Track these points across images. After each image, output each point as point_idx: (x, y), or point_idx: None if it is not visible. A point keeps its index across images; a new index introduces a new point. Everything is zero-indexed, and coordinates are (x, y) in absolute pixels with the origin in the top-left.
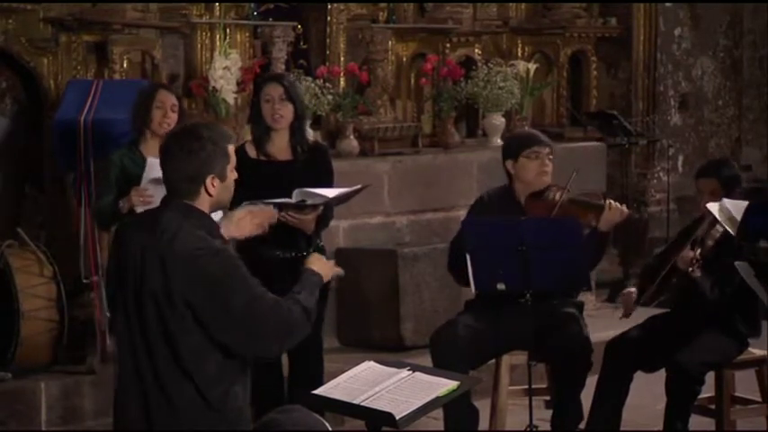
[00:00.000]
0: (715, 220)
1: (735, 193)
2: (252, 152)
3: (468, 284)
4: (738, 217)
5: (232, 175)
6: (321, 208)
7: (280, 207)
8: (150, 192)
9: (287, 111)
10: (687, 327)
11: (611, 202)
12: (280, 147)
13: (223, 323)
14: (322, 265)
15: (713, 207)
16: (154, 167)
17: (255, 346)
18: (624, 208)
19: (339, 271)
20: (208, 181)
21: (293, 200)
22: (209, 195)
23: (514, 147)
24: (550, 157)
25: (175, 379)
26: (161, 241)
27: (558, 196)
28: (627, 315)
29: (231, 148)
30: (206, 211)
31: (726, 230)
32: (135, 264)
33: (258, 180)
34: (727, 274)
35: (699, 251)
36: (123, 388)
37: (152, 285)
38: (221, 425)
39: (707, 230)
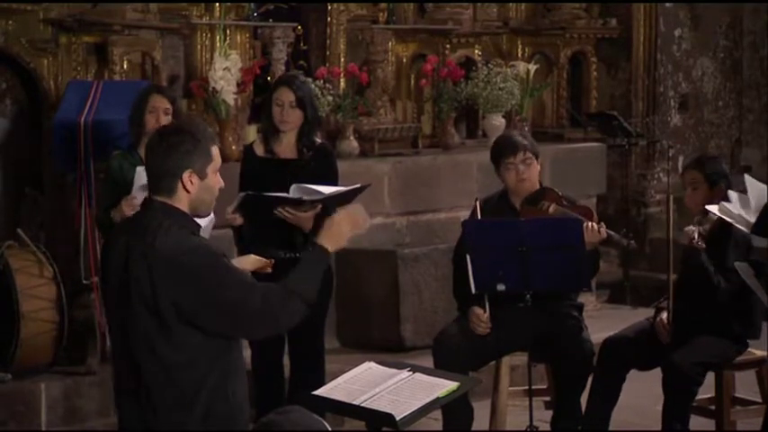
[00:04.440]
0: (705, 213)
1: (719, 189)
2: (259, 150)
3: (463, 302)
4: (743, 212)
5: (214, 177)
6: (319, 206)
7: (277, 202)
8: (138, 200)
9: (295, 117)
10: (684, 327)
11: (589, 223)
12: (287, 146)
13: (211, 316)
14: (331, 235)
15: (713, 208)
16: (142, 176)
17: (243, 333)
18: (603, 231)
19: (357, 228)
20: (185, 176)
21: (291, 195)
22: (187, 192)
23: (493, 157)
24: (528, 161)
25: (163, 378)
26: (144, 242)
27: (551, 209)
28: (667, 341)
29: (215, 150)
30: (185, 210)
31: (720, 221)
32: (119, 265)
33: (263, 177)
34: (723, 263)
35: (699, 227)
36: (117, 387)
37: (137, 285)
38: (214, 422)
39: (704, 214)
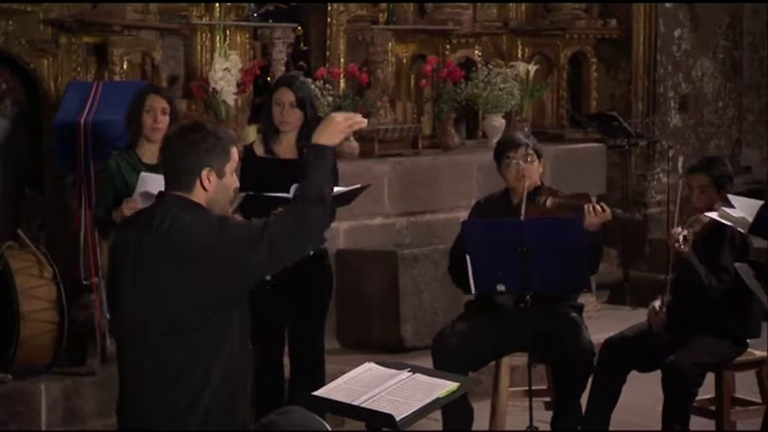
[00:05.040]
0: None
1: (726, 191)
2: (259, 150)
3: (467, 289)
4: (746, 215)
5: (231, 177)
6: None
7: (277, 202)
8: (139, 204)
9: (295, 117)
10: (684, 328)
11: (590, 205)
12: (287, 146)
13: (241, 268)
14: (325, 129)
15: (712, 215)
16: (145, 181)
17: (289, 261)
18: (607, 212)
19: (350, 123)
20: (204, 174)
21: (291, 195)
22: (205, 190)
23: (496, 154)
24: (528, 158)
25: (165, 378)
26: (157, 231)
27: (549, 202)
28: (660, 328)
29: (234, 151)
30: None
31: (713, 221)
32: (130, 258)
33: (263, 177)
34: (717, 262)
35: (687, 231)
36: (121, 387)
37: (151, 275)
38: (214, 423)
39: (696, 217)
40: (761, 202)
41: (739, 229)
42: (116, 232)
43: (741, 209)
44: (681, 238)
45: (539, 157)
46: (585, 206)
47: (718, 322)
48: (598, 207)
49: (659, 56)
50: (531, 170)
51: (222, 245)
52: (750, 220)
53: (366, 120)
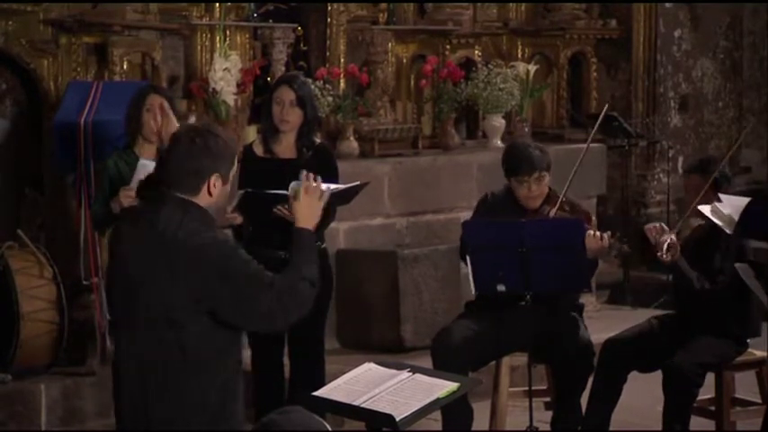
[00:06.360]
0: (698, 213)
1: (723, 191)
2: (258, 150)
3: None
4: (733, 214)
5: (229, 184)
6: None
7: (276, 200)
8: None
9: (295, 116)
10: (684, 328)
11: (591, 232)
12: (286, 146)
13: (232, 310)
14: (305, 216)
15: (705, 209)
16: (144, 168)
17: (264, 325)
18: (605, 240)
19: (320, 198)
20: (212, 179)
21: (290, 193)
22: (209, 195)
23: (506, 168)
24: (540, 181)
25: (180, 376)
26: (162, 236)
27: (553, 213)
28: (660, 249)
29: (236, 157)
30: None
31: (708, 224)
32: (136, 262)
33: (262, 177)
34: (711, 265)
35: (674, 237)
36: (118, 386)
37: (156, 281)
38: (215, 424)
39: (686, 221)
40: (747, 200)
41: (725, 229)
42: (115, 231)
43: (728, 207)
44: (665, 246)
45: (548, 169)
46: (588, 231)
47: (718, 322)
48: (598, 234)
49: (659, 56)
50: (542, 189)
51: (230, 273)
52: (736, 218)
53: (321, 185)
